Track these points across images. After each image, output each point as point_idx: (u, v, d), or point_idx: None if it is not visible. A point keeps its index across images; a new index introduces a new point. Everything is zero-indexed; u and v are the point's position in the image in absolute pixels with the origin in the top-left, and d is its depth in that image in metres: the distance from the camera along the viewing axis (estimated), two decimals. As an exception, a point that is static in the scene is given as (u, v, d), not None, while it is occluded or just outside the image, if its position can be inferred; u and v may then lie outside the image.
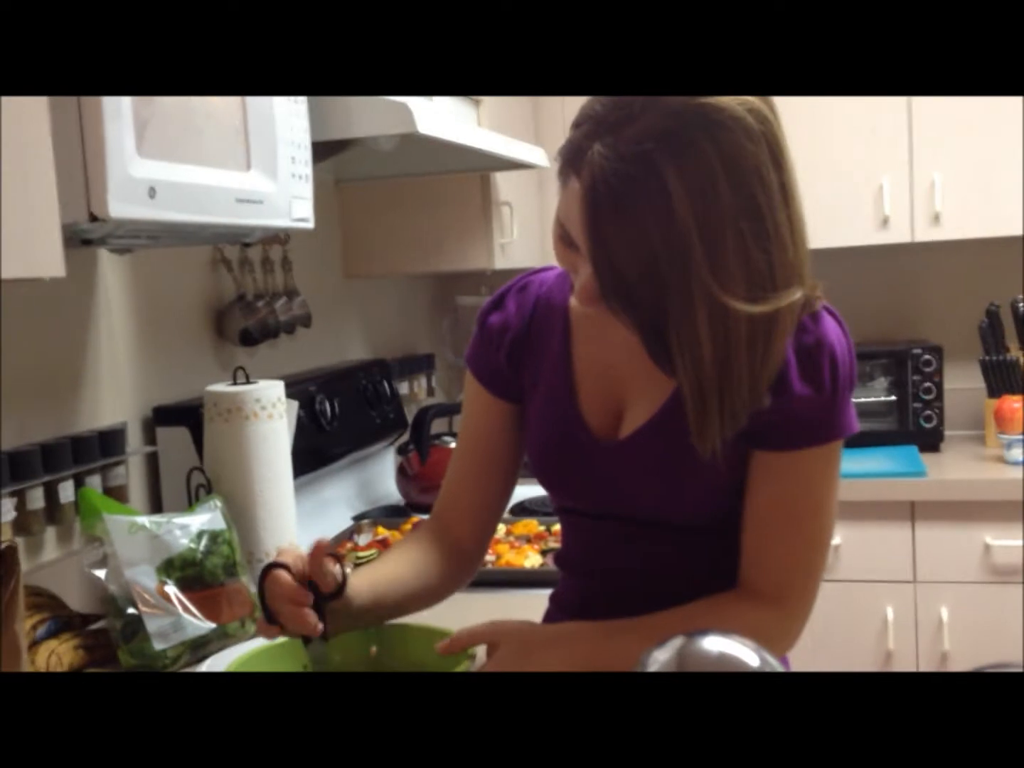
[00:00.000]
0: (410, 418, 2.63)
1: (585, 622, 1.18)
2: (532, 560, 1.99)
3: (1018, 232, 2.80)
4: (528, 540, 2.12)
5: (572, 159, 0.99)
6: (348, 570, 1.13)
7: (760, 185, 0.96)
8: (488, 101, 2.61)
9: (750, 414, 1.05)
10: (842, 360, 1.11)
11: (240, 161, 1.47)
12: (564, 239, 1.05)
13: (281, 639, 1.16)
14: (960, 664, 2.64)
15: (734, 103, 0.95)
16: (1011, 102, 2.76)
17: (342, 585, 1.10)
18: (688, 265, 0.95)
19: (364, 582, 1.17)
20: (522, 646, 1.12)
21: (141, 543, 1.53)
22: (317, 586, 1.09)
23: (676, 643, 0.68)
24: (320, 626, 1.08)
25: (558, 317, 1.24)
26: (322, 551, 1.09)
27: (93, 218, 1.21)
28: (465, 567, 1.32)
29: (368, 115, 1.78)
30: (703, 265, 0.95)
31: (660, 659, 0.68)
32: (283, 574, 1.08)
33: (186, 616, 1.52)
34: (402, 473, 2.56)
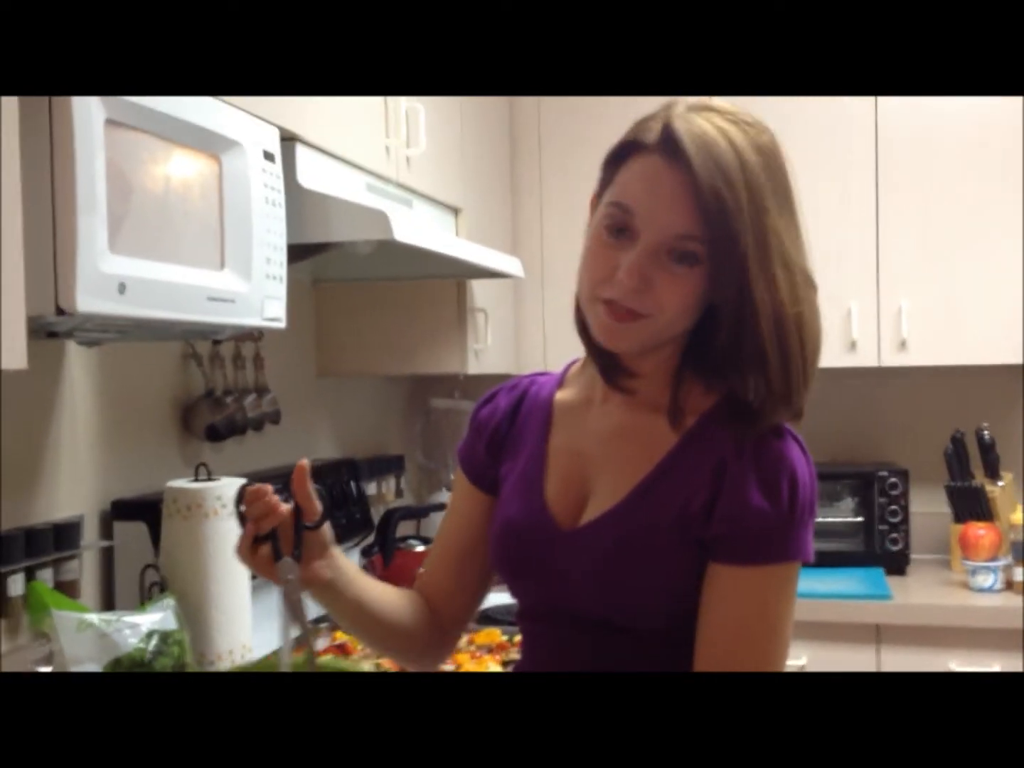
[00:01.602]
0: (377, 519, 2.61)
1: None
2: (492, 670, 1.96)
3: (982, 361, 2.84)
4: (490, 650, 2.09)
5: (636, 140, 1.07)
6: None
7: (786, 200, 1.09)
8: (467, 210, 2.65)
9: (703, 524, 1.09)
10: (803, 483, 1.11)
11: (214, 260, 1.48)
12: (612, 227, 1.09)
13: None
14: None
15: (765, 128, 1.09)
16: (977, 232, 2.83)
17: (322, 516, 1.14)
18: (764, 219, 1.06)
19: (355, 575, 1.20)
20: None
21: (89, 641, 1.51)
22: (300, 514, 1.13)
23: None
24: (282, 507, 1.11)
25: (542, 411, 1.26)
26: (305, 472, 1.12)
27: (60, 311, 1.21)
28: (441, 641, 1.33)
29: (346, 220, 1.81)
30: (776, 232, 1.07)
31: None
32: (259, 484, 1.13)
33: (130, 718, 1.49)
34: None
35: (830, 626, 2.64)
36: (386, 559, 2.47)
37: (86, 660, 1.49)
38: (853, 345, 2.89)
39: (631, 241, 1.08)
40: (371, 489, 2.80)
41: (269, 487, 1.13)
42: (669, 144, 1.05)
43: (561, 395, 1.26)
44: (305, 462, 1.14)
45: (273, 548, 1.12)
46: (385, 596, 1.24)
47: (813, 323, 1.11)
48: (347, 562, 1.20)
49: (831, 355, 2.81)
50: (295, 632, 1.14)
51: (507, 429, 1.27)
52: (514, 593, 1.28)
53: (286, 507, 1.13)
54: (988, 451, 2.90)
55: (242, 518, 1.13)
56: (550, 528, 1.20)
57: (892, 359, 2.90)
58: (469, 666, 1.97)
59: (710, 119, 1.06)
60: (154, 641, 1.57)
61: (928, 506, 3.07)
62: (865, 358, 2.90)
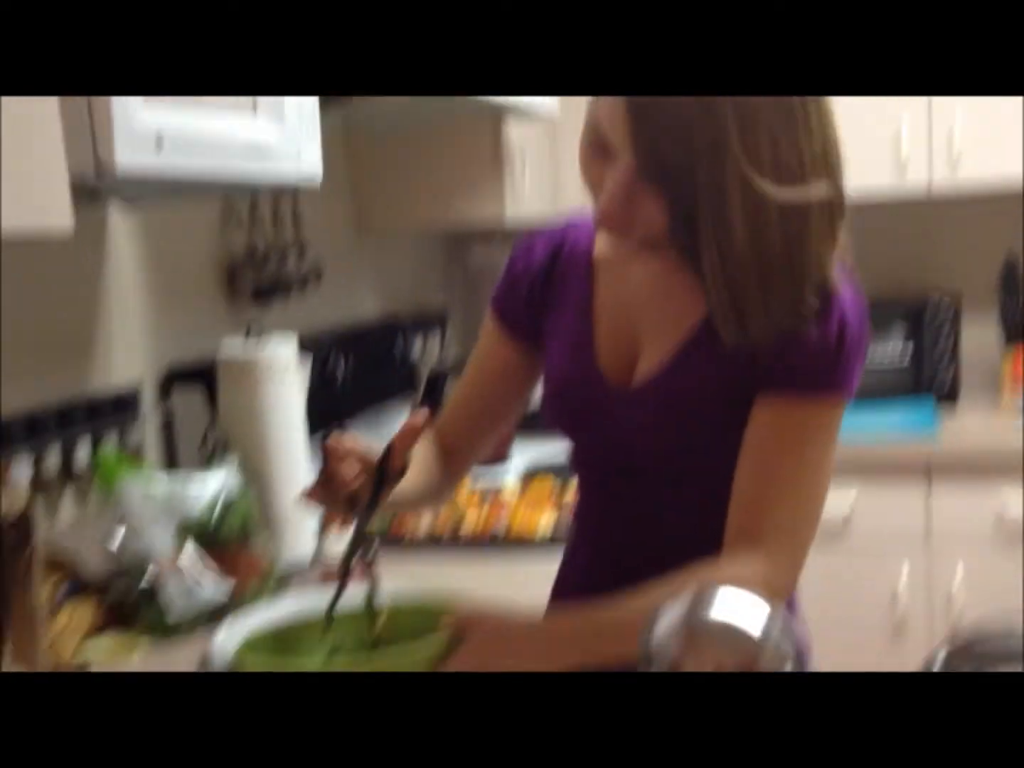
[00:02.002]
0: (424, 376, 2.61)
1: (562, 618, 1.18)
2: (547, 518, 1.97)
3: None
4: (543, 499, 2.10)
5: None
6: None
7: None
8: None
9: (757, 352, 1.06)
10: (852, 324, 1.09)
11: (246, 105, 1.45)
12: (594, 146, 1.04)
13: (302, 615, 1.18)
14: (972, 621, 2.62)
15: None
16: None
17: (403, 469, 1.11)
18: (723, 144, 0.96)
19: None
20: (500, 638, 1.12)
21: (156, 505, 1.52)
22: (387, 462, 1.09)
23: (684, 603, 0.67)
24: (358, 481, 1.08)
25: (582, 264, 1.23)
26: (416, 432, 1.09)
27: (100, 167, 1.19)
28: (450, 484, 1.35)
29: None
30: (737, 145, 0.96)
31: (667, 623, 0.66)
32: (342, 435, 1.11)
33: (202, 579, 1.51)
34: (416, 431, 2.53)
35: (879, 459, 2.63)
36: (435, 416, 2.47)
37: (155, 523, 1.50)
38: (904, 166, 2.78)
39: (612, 162, 1.03)
40: (416, 345, 2.79)
41: (351, 448, 1.09)
42: None
43: (600, 247, 1.23)
44: (420, 421, 1.10)
45: (348, 501, 1.10)
46: (412, 485, 1.21)
47: (795, 272, 1.03)
48: None
49: (880, 179, 2.77)
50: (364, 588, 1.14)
51: (546, 281, 1.25)
52: (570, 443, 1.29)
53: (374, 453, 1.09)
54: (1042, 274, 2.84)
55: (325, 466, 1.09)
56: (604, 387, 1.19)
57: (944, 182, 2.80)
58: (523, 514, 1.98)
59: None
60: (220, 502, 1.59)
61: (980, 334, 3.02)
62: (916, 181, 2.80)
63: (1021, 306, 2.85)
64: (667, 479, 1.19)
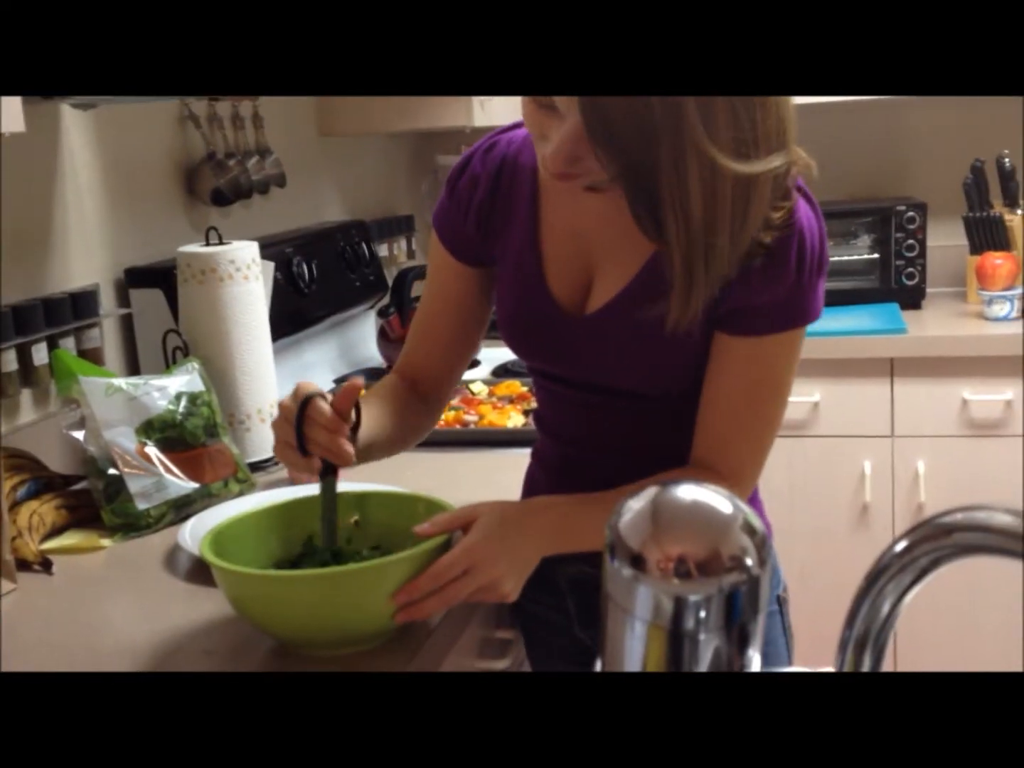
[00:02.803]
0: (390, 280, 2.61)
1: (558, 496, 1.19)
2: (515, 420, 2.00)
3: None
4: (511, 401, 2.12)
5: None
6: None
7: None
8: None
9: (714, 299, 1.05)
10: (810, 245, 1.08)
11: None
12: (538, 100, 1.01)
13: (267, 504, 1.20)
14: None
15: None
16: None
17: (357, 425, 1.12)
18: (681, 115, 0.93)
19: (365, 432, 1.18)
20: (499, 517, 1.12)
21: (119, 405, 1.52)
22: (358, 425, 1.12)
23: (650, 491, 0.68)
24: (352, 455, 1.09)
25: (526, 180, 1.19)
26: (356, 391, 1.10)
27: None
28: (431, 412, 1.35)
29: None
30: (695, 117, 0.93)
31: (634, 507, 0.67)
32: (323, 403, 1.08)
33: (168, 476, 1.53)
34: (383, 336, 2.55)
35: (844, 362, 2.67)
36: (403, 318, 2.48)
37: (118, 423, 1.51)
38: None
39: (558, 119, 0.99)
40: (382, 250, 2.79)
41: (327, 409, 1.08)
42: None
43: None
44: (360, 383, 1.10)
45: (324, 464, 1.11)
46: (381, 426, 1.22)
47: (728, 251, 1.00)
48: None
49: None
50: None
51: (491, 202, 1.21)
52: (530, 366, 1.29)
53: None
54: (1008, 179, 2.85)
55: (299, 428, 1.08)
56: (558, 315, 1.18)
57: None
58: (492, 417, 2.01)
59: None
60: (183, 402, 1.59)
61: (946, 240, 3.04)
62: (882, 89, 2.80)
63: (986, 213, 2.87)
64: (624, 397, 1.20)
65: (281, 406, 1.11)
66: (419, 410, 1.31)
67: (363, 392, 1.16)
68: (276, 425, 1.12)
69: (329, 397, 1.10)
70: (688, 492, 0.66)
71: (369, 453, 1.19)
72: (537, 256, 1.19)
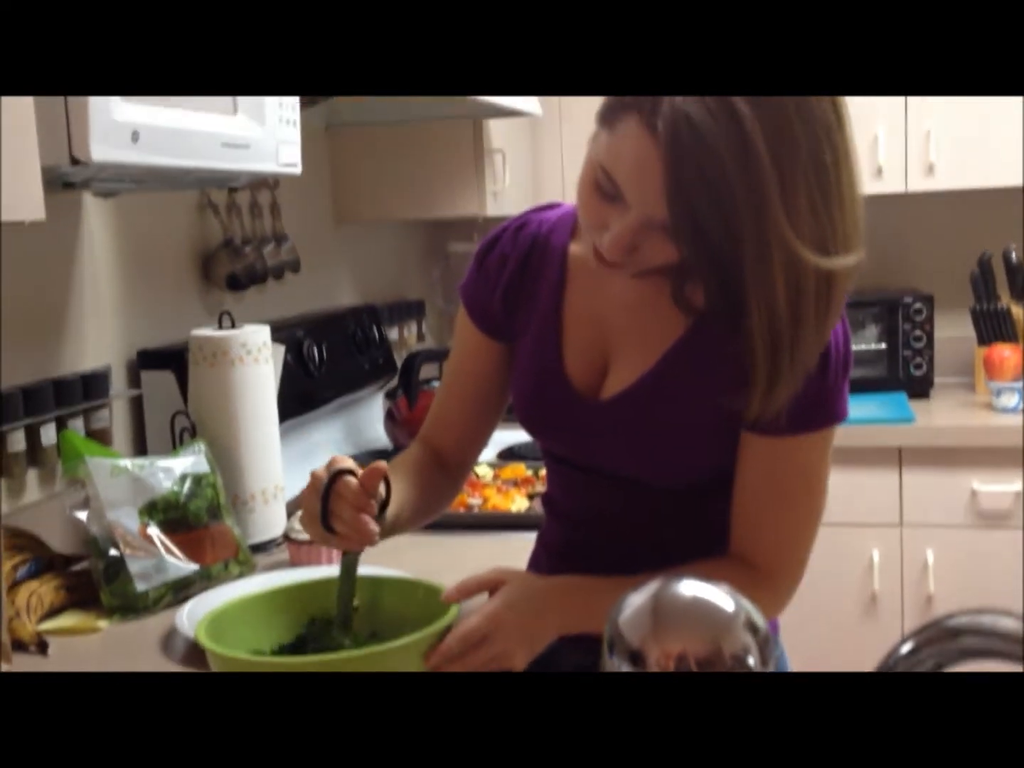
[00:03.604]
0: (399, 363, 2.64)
1: (586, 577, 1.17)
2: (519, 504, 2.01)
3: (1011, 183, 2.78)
4: (515, 484, 2.13)
5: (635, 100, 0.95)
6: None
7: (827, 142, 0.95)
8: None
9: (734, 398, 1.05)
10: (834, 347, 1.08)
11: (226, 105, 1.46)
12: (601, 188, 1.00)
13: (266, 588, 1.20)
14: (944, 607, 2.66)
15: None
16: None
17: (386, 503, 1.12)
18: (766, 209, 0.93)
19: (392, 510, 1.17)
20: (526, 589, 1.12)
21: (123, 485, 1.54)
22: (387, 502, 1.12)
23: (652, 587, 0.69)
24: (377, 535, 1.09)
25: (555, 261, 1.21)
26: (380, 473, 1.09)
27: (75, 161, 1.20)
28: (453, 483, 1.34)
29: (356, 58, 1.76)
30: (780, 211, 0.93)
31: (635, 603, 0.68)
32: (352, 480, 1.07)
33: (168, 558, 1.54)
34: (390, 418, 2.57)
35: (853, 450, 2.67)
36: (411, 401, 2.50)
37: (121, 504, 1.53)
38: (880, 171, 2.83)
39: (620, 208, 1.00)
40: (393, 334, 2.82)
41: (356, 486, 1.08)
42: (660, 127, 0.93)
43: (575, 248, 1.21)
44: (383, 466, 1.09)
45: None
46: (407, 499, 1.21)
47: (813, 346, 1.01)
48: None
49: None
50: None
51: (519, 280, 1.22)
52: (542, 445, 1.29)
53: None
54: (1015, 272, 2.87)
55: (325, 504, 1.08)
56: (573, 398, 1.19)
57: (919, 184, 2.85)
58: (496, 500, 2.02)
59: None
60: (188, 483, 1.61)
61: (953, 331, 3.06)
62: (892, 184, 2.85)
63: (994, 306, 2.89)
64: (635, 486, 1.19)
65: (313, 476, 1.09)
66: (442, 481, 1.31)
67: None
68: (305, 495, 1.10)
69: (360, 472, 1.10)
70: (690, 588, 0.67)
71: (394, 528, 1.18)
72: (557, 337, 1.20)
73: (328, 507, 1.07)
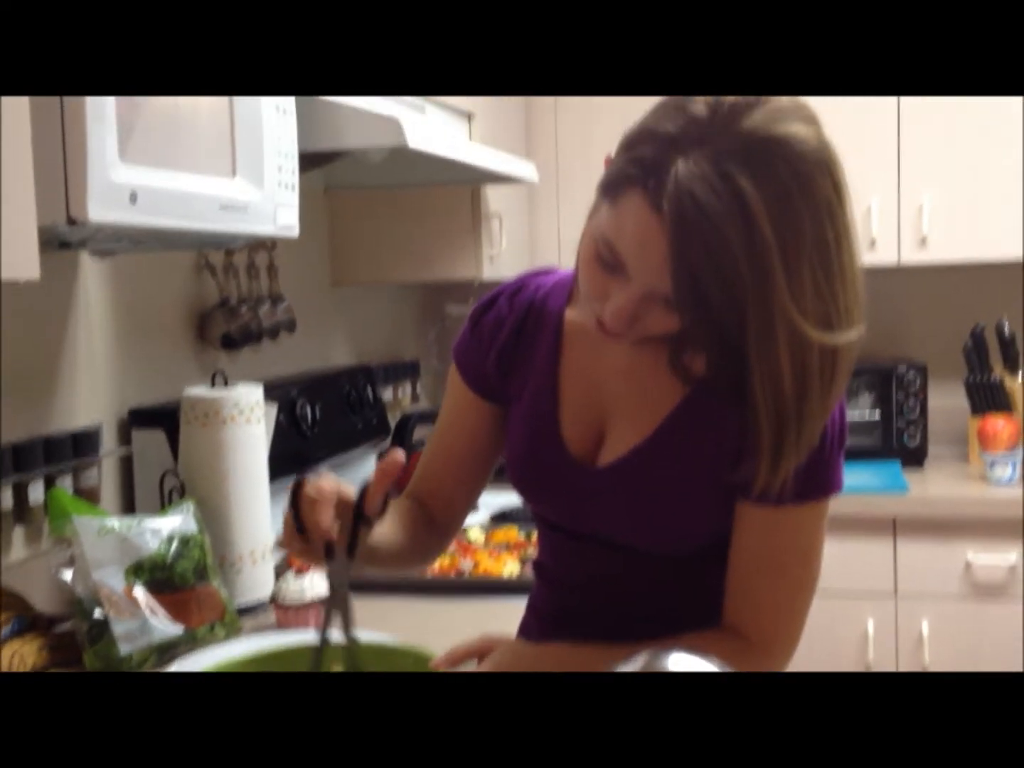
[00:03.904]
0: (393, 424, 2.64)
1: (576, 646, 1.16)
2: (510, 568, 2.00)
3: (1004, 256, 2.81)
4: (507, 548, 2.12)
5: (640, 175, 0.95)
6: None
7: (829, 219, 0.96)
8: (480, 115, 2.61)
9: (732, 467, 1.05)
10: (831, 419, 1.09)
11: (225, 168, 1.48)
12: (603, 260, 1.01)
13: (251, 653, 1.17)
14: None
15: (811, 133, 0.95)
16: (1001, 125, 2.77)
17: (382, 511, 1.06)
18: (770, 286, 0.93)
19: (374, 535, 1.13)
20: (515, 655, 1.11)
21: (110, 545, 1.53)
22: (363, 506, 1.05)
23: (640, 659, 0.68)
24: (335, 528, 1.03)
25: (550, 325, 1.21)
26: (397, 469, 1.04)
27: (71, 221, 1.21)
28: (439, 542, 1.33)
29: (358, 127, 1.79)
30: (783, 289, 0.94)
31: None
32: (318, 480, 1.04)
33: (153, 619, 1.53)
34: (384, 479, 2.56)
35: (846, 519, 2.66)
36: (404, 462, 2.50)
37: (108, 563, 1.52)
38: (873, 243, 2.85)
39: (622, 280, 1.00)
40: (387, 395, 2.83)
41: (326, 493, 1.03)
42: (664, 204, 0.94)
43: (572, 314, 1.21)
44: (400, 457, 1.05)
45: (326, 548, 1.05)
46: (391, 536, 1.19)
47: (818, 420, 1.02)
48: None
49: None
50: (337, 623, 1.08)
51: (515, 344, 1.22)
52: (534, 510, 1.28)
53: (349, 495, 1.05)
54: (1008, 345, 2.89)
55: (295, 512, 1.04)
56: (568, 463, 1.18)
57: (912, 257, 2.87)
58: (487, 564, 2.01)
59: (724, 170, 0.92)
60: (175, 544, 1.60)
61: (946, 401, 3.07)
62: (885, 256, 2.87)
63: (987, 377, 2.90)
64: (631, 553, 1.18)
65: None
66: (429, 530, 1.29)
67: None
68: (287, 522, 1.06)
69: (348, 489, 1.05)
70: (679, 662, 0.66)
71: (373, 556, 1.14)
72: (553, 402, 1.19)
73: (299, 516, 1.03)
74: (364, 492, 1.05)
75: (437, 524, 1.31)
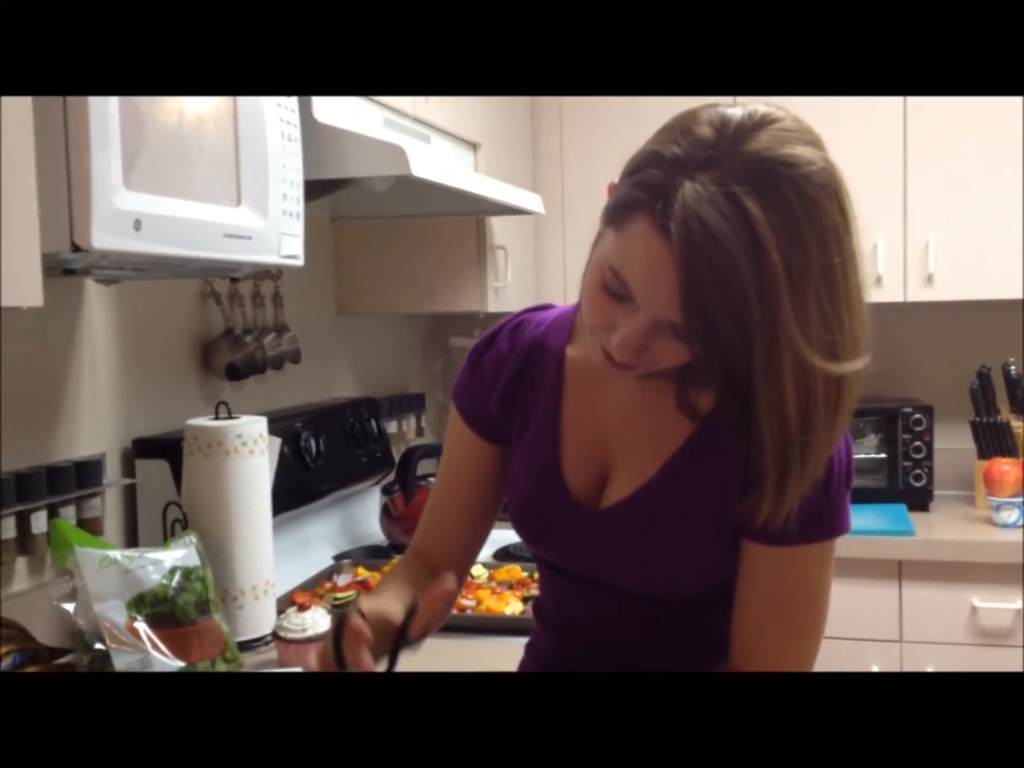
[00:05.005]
0: (397, 458, 2.62)
1: None
2: (513, 607, 1.97)
3: (1010, 295, 2.80)
4: (510, 586, 2.10)
5: (646, 198, 0.94)
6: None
7: (836, 245, 0.94)
8: (486, 146, 2.62)
9: (738, 507, 1.03)
10: (838, 459, 1.07)
11: (230, 196, 1.47)
12: (609, 288, 0.99)
13: None
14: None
15: (817, 156, 0.94)
16: (1006, 163, 2.77)
17: (426, 633, 1.07)
18: (777, 313, 0.91)
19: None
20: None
21: (112, 577, 1.51)
22: (407, 628, 1.05)
23: None
24: (375, 665, 1.02)
25: (552, 364, 1.19)
26: (450, 598, 1.05)
27: (76, 248, 1.20)
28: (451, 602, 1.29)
29: (363, 156, 1.78)
30: (790, 315, 0.92)
31: None
32: (356, 621, 1.01)
33: (155, 653, 1.50)
34: (386, 513, 2.54)
35: (853, 562, 2.64)
36: (407, 496, 2.48)
37: (109, 596, 1.50)
38: (879, 280, 2.85)
39: (630, 308, 0.99)
40: (391, 427, 2.81)
41: (368, 633, 1.01)
42: (672, 228, 0.92)
43: (573, 351, 1.19)
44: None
45: None
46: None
47: (823, 451, 1.00)
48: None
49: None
50: None
51: (517, 382, 1.20)
52: (535, 554, 1.26)
53: (393, 616, 1.05)
54: (1014, 386, 2.88)
55: (338, 652, 1.01)
56: (570, 505, 1.16)
57: (918, 294, 2.87)
58: (490, 602, 1.98)
59: (731, 193, 0.90)
60: (177, 577, 1.58)
61: (952, 442, 3.05)
62: (891, 294, 2.86)
63: (993, 419, 2.88)
64: (635, 598, 1.16)
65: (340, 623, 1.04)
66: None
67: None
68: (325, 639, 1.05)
69: (391, 609, 1.04)
70: None
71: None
72: (555, 442, 1.17)
73: (341, 650, 1.01)
74: (410, 615, 1.04)
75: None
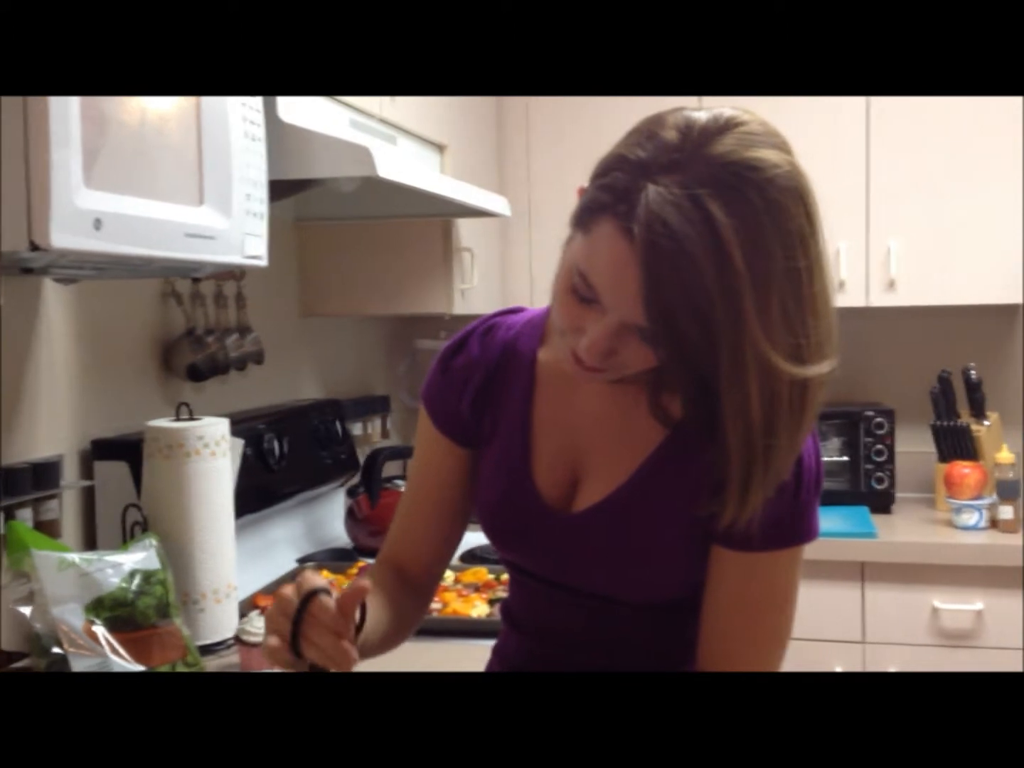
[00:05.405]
0: (362, 459, 2.61)
1: None
2: (479, 609, 1.97)
3: (971, 301, 2.83)
4: (476, 589, 2.09)
5: (611, 201, 0.94)
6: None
7: (801, 248, 0.94)
8: (452, 147, 2.61)
9: (709, 514, 1.04)
10: (807, 466, 1.07)
11: (193, 196, 1.45)
12: (578, 292, 0.99)
13: None
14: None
15: (783, 160, 0.94)
16: (969, 170, 2.80)
17: (360, 626, 1.03)
18: (741, 316, 0.91)
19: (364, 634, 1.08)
20: None
21: (70, 580, 1.49)
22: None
23: None
24: (355, 662, 0.98)
25: (523, 368, 1.19)
26: (363, 593, 0.99)
27: (34, 247, 1.18)
28: (422, 604, 1.29)
29: (328, 156, 1.77)
30: (754, 318, 0.92)
31: None
32: (328, 601, 0.97)
33: (114, 657, 1.48)
34: (351, 515, 2.53)
35: (815, 564, 2.65)
36: (372, 499, 2.47)
37: (68, 600, 1.47)
38: (842, 285, 2.87)
39: (597, 312, 0.99)
40: (356, 429, 2.80)
41: (332, 608, 0.98)
42: (635, 230, 0.92)
43: (544, 355, 1.19)
44: (366, 586, 1.00)
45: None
46: (376, 622, 1.13)
47: (787, 454, 0.99)
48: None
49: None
50: None
51: (488, 386, 1.20)
52: (504, 557, 1.25)
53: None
54: (974, 390, 2.90)
55: (296, 628, 0.97)
56: (541, 509, 1.16)
57: (881, 299, 2.89)
58: (456, 605, 1.98)
59: (695, 195, 0.90)
60: (137, 580, 1.56)
61: (914, 446, 3.08)
62: (853, 298, 2.89)
63: (954, 423, 2.91)
64: (605, 602, 1.16)
65: (279, 597, 0.99)
66: (410, 605, 1.24)
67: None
68: (271, 618, 1.00)
69: (335, 593, 0.99)
70: None
71: (362, 654, 1.08)
72: (525, 446, 1.17)
73: (300, 631, 0.97)
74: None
75: (416, 590, 1.27)
